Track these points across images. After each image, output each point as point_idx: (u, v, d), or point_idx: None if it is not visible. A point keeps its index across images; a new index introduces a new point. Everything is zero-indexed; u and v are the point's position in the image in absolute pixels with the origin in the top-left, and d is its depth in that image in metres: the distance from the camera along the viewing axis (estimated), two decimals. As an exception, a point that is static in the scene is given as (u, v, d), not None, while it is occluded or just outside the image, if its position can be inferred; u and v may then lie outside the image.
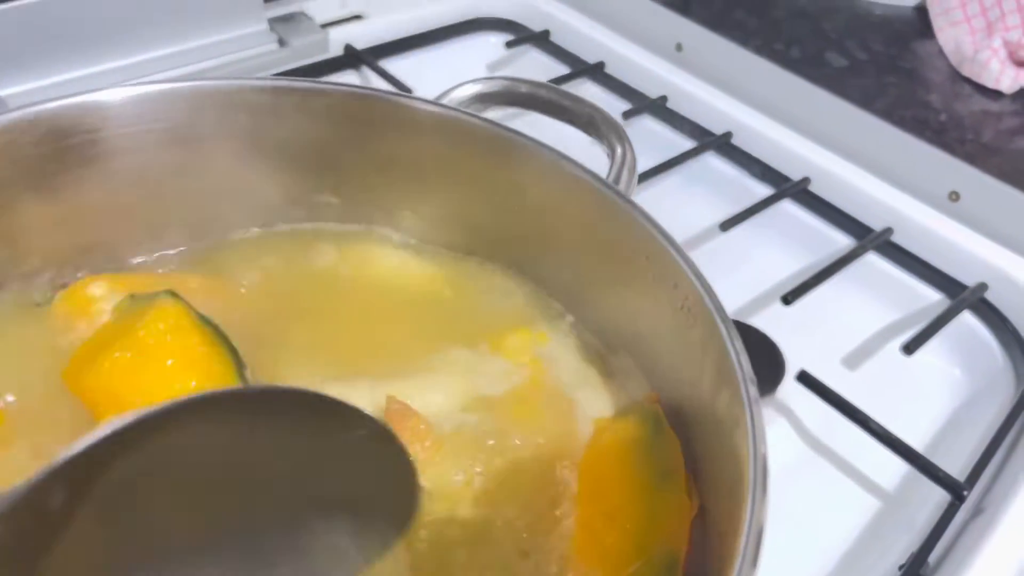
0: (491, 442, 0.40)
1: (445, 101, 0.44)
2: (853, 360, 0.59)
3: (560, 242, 0.43)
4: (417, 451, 0.39)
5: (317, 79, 0.45)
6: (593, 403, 0.41)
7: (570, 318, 0.44)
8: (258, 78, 0.42)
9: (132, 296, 0.41)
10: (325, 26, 0.80)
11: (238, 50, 0.75)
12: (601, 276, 0.41)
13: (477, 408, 0.41)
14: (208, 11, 0.73)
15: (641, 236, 0.37)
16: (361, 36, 0.80)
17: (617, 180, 0.41)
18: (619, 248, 0.39)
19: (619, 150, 0.42)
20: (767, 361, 0.55)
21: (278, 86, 0.41)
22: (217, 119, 0.41)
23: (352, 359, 0.43)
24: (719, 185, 0.72)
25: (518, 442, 0.40)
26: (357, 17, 0.83)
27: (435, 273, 0.47)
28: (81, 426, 0.38)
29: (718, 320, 0.33)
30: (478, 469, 0.39)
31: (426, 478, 0.38)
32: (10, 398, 0.39)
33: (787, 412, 0.54)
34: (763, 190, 0.70)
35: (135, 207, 0.43)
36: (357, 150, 0.45)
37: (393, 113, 0.43)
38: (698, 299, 0.34)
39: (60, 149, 0.39)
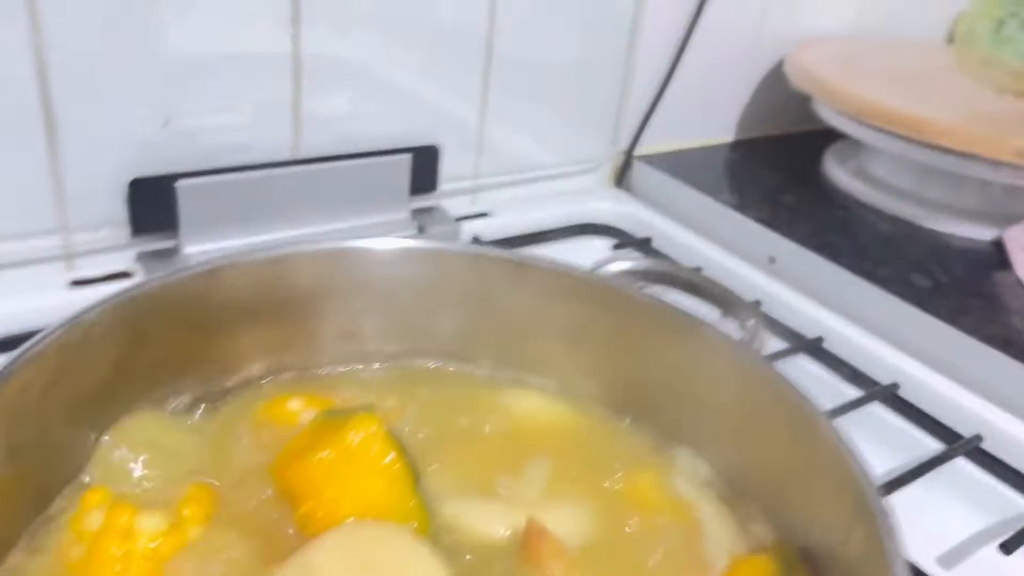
0: (622, 569, 0.44)
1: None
2: (948, 560, 0.61)
3: (698, 402, 0.49)
4: (553, 570, 0.43)
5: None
6: (724, 543, 0.45)
7: (704, 467, 0.49)
8: (456, 243, 0.52)
9: (329, 411, 0.47)
10: (458, 220, 0.91)
11: (384, 232, 0.86)
12: (736, 432, 0.47)
13: (609, 539, 0.45)
14: (365, 199, 0.85)
15: (776, 387, 0.43)
16: (487, 230, 0.91)
17: (751, 345, 0.48)
18: (752, 401, 0.45)
19: (751, 322, 0.49)
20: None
21: (473, 252, 0.51)
22: (413, 271, 0.50)
23: (491, 484, 0.48)
24: (811, 385, 0.77)
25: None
26: (484, 214, 0.94)
27: (575, 419, 0.53)
28: (282, 509, 0.43)
29: (852, 462, 0.38)
30: None
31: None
32: (218, 484, 0.45)
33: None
34: (853, 392, 0.74)
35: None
36: (516, 308, 0.53)
37: (553, 279, 0.51)
38: (832, 444, 0.40)
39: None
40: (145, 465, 0.45)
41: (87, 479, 0.43)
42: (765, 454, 0.45)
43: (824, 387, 0.76)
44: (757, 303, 0.84)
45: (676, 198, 1.01)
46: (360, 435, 0.44)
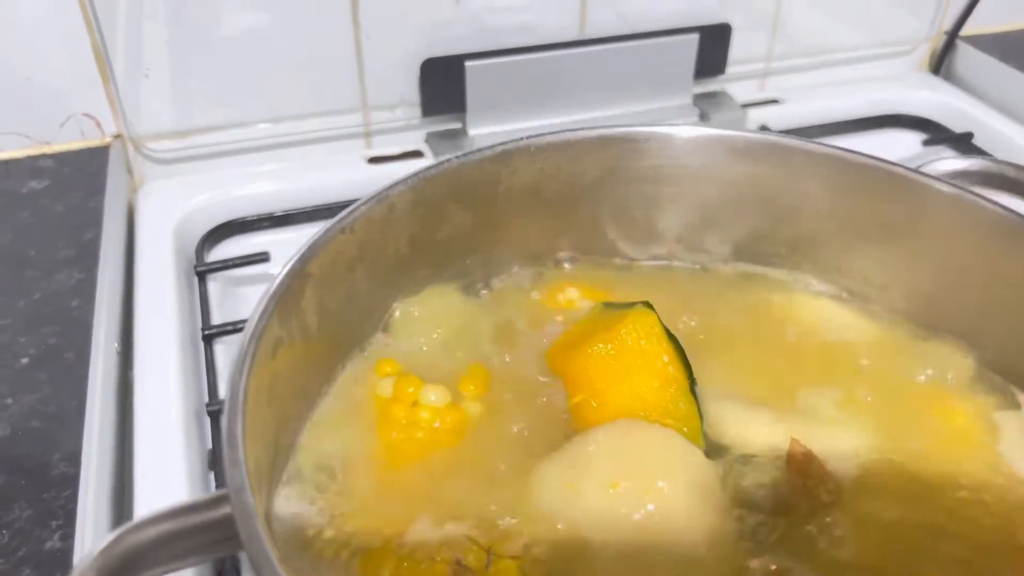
0: (907, 509, 0.39)
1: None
2: None
3: (1016, 320, 0.42)
4: (815, 496, 0.39)
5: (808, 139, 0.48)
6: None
7: (1019, 394, 0.43)
8: (754, 132, 0.47)
9: (607, 304, 0.46)
10: (745, 106, 0.85)
11: (665, 118, 0.82)
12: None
13: (891, 465, 0.41)
14: (647, 82, 0.81)
15: None
16: (777, 119, 0.84)
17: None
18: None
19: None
20: None
21: (772, 141, 0.46)
22: (707, 161, 0.47)
23: (764, 392, 0.45)
24: None
25: (938, 507, 0.39)
26: (774, 101, 0.87)
27: (872, 330, 0.48)
28: (553, 395, 0.43)
29: None
30: (886, 535, 0.39)
31: (820, 523, 0.38)
32: (496, 363, 0.46)
33: None
34: None
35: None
36: (819, 205, 0.48)
37: (870, 177, 0.45)
38: None
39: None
40: (436, 334, 0.47)
41: (385, 342, 0.46)
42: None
43: None
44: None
45: (1007, 87, 0.87)
46: (636, 332, 0.43)
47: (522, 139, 0.46)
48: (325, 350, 0.42)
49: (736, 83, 0.87)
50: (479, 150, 0.45)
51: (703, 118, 0.84)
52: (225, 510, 0.29)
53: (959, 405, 0.44)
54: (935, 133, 0.84)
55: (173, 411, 0.52)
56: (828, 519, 0.38)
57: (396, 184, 0.43)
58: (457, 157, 0.44)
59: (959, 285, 0.45)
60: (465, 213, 0.46)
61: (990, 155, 0.79)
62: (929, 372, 0.45)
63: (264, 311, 0.35)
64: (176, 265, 0.65)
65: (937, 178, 0.44)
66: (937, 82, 0.92)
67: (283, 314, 0.36)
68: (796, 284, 0.51)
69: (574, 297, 0.49)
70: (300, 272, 0.37)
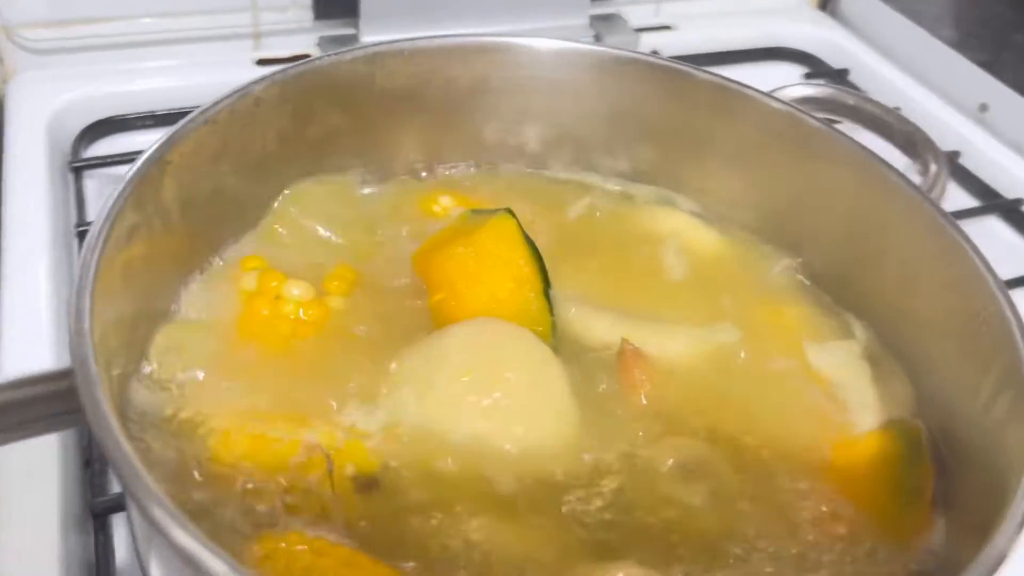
0: (722, 405, 0.43)
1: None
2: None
3: (855, 241, 0.46)
4: (642, 388, 0.42)
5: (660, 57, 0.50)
6: (854, 407, 0.43)
7: (849, 315, 0.47)
8: (624, 51, 0.49)
9: (474, 211, 0.48)
10: (638, 30, 0.86)
11: (559, 39, 0.83)
12: (892, 277, 0.44)
13: (719, 370, 0.44)
14: (544, 1, 0.82)
15: (946, 242, 0.39)
16: (668, 45, 0.86)
17: (929, 194, 0.43)
18: (918, 253, 0.41)
19: (933, 168, 0.44)
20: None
21: (634, 58, 0.48)
22: (579, 76, 0.49)
23: (613, 297, 0.47)
24: (998, 250, 0.70)
25: (754, 415, 0.42)
26: (667, 27, 0.89)
27: (718, 242, 0.51)
28: (416, 295, 0.45)
29: (1015, 327, 0.35)
30: (698, 427, 0.42)
31: (643, 424, 0.41)
32: (363, 265, 0.47)
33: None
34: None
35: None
36: (679, 125, 0.50)
37: (725, 98, 0.48)
38: (998, 308, 0.36)
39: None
40: (306, 233, 0.48)
41: (255, 238, 0.47)
42: (923, 312, 0.43)
43: (1014, 254, 0.70)
44: (955, 153, 0.76)
45: (886, 28, 0.91)
46: (495, 237, 0.45)
47: (395, 42, 0.46)
48: (190, 241, 0.43)
49: (632, 7, 0.88)
50: (350, 49, 0.45)
51: (598, 39, 0.85)
52: (69, 382, 0.30)
53: (788, 311, 0.48)
54: (815, 67, 0.88)
55: (42, 304, 0.52)
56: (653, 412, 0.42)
57: (263, 79, 0.43)
58: (328, 56, 0.45)
59: (808, 210, 0.48)
60: (337, 114, 0.47)
61: (859, 90, 0.84)
62: (766, 281, 0.49)
63: (120, 194, 0.35)
64: (50, 160, 0.64)
65: (785, 103, 0.46)
66: (822, 17, 0.95)
67: (139, 200, 0.36)
68: (657, 199, 0.53)
69: (447, 204, 0.51)
70: (159, 159, 0.38)
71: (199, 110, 0.40)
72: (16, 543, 0.40)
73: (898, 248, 0.43)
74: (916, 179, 0.46)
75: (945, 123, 0.80)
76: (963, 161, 0.77)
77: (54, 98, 0.67)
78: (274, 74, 0.43)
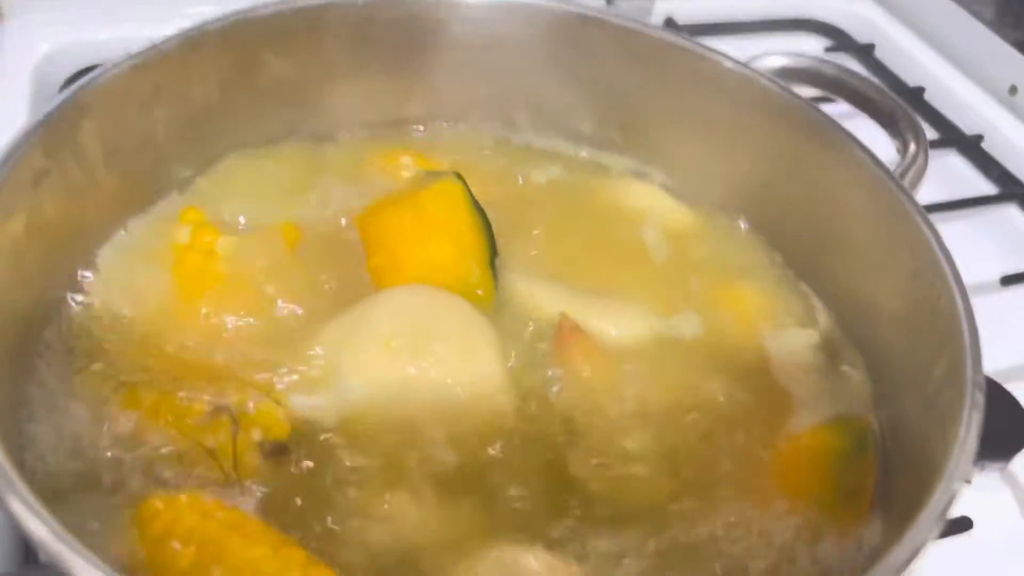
0: (666, 389, 0.41)
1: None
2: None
3: (822, 221, 0.43)
4: (580, 366, 0.40)
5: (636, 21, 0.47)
6: (805, 400, 0.41)
7: (814, 299, 0.44)
8: (589, 7, 0.46)
9: (429, 172, 0.46)
10: (654, -4, 0.83)
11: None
12: (856, 261, 0.41)
13: (667, 354, 0.42)
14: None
15: (909, 228, 0.36)
16: (685, 11, 0.82)
17: (902, 177, 0.40)
18: (882, 237, 0.39)
19: (912, 148, 0.41)
20: (1008, 426, 0.51)
21: (601, 18, 0.45)
22: (543, 35, 0.46)
23: (564, 269, 0.45)
24: (1014, 239, 0.66)
25: (699, 403, 0.40)
26: (685, -7, 0.85)
27: (686, 217, 0.48)
28: (354, 257, 0.44)
29: (963, 321, 0.32)
30: (638, 408, 0.40)
31: (579, 403, 0.40)
32: (310, 221, 0.46)
33: (1015, 486, 0.50)
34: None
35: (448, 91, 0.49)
36: (649, 91, 0.48)
37: (699, 66, 0.45)
38: (950, 300, 0.33)
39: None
40: (253, 189, 0.46)
41: (198, 191, 0.46)
42: (883, 299, 0.40)
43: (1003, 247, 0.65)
44: (978, 136, 0.72)
45: (919, 1, 0.85)
46: (439, 201, 0.43)
47: (346, -10, 0.44)
48: (120, 191, 0.42)
49: (649, -29, 0.85)
50: (295, -1, 0.43)
51: (609, 2, 0.81)
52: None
53: (751, 295, 0.45)
54: (839, 40, 0.84)
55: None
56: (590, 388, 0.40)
57: (203, 24, 0.41)
58: (275, 3, 0.43)
59: (772, 181, 0.45)
60: (287, 64, 0.45)
61: (885, 67, 0.79)
62: (732, 261, 0.46)
63: (24, 138, 0.34)
64: (33, 106, 0.63)
65: (761, 73, 0.43)
66: (851, -12, 0.90)
67: (51, 145, 0.35)
68: (628, 171, 0.51)
69: (407, 164, 0.49)
70: (74, 103, 0.36)
71: (126, 55, 0.39)
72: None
73: (863, 231, 0.40)
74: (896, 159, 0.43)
75: (970, 105, 0.75)
76: (986, 146, 0.72)
77: (41, 43, 0.67)
78: (216, 20, 0.42)
